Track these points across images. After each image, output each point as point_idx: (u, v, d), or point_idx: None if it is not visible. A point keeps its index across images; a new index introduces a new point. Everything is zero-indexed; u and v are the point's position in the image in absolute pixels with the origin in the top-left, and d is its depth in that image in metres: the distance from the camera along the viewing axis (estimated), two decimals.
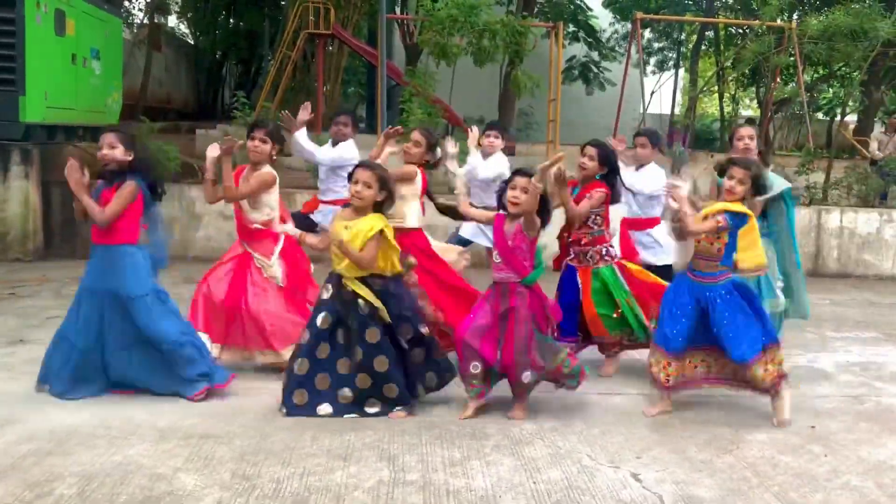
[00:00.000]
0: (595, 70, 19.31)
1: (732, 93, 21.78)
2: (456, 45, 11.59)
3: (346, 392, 4.28)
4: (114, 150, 4.32)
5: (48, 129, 9.34)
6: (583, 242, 5.05)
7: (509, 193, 4.29)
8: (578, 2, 19.00)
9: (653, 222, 5.89)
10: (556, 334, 4.55)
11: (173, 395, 4.40)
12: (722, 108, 21.07)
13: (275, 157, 5.07)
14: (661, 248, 5.75)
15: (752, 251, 4.47)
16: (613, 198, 5.08)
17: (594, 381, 4.88)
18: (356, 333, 4.25)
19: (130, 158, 4.37)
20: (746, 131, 5.37)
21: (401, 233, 4.73)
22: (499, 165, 6.10)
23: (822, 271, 9.89)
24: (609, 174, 5.06)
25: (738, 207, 4.31)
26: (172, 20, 26.27)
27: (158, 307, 4.40)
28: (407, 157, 5.20)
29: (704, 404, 4.67)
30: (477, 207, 5.27)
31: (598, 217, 5.03)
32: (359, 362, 4.25)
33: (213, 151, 4.78)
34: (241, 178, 4.99)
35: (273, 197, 5.01)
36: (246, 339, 4.88)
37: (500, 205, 4.43)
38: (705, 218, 4.28)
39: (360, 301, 4.25)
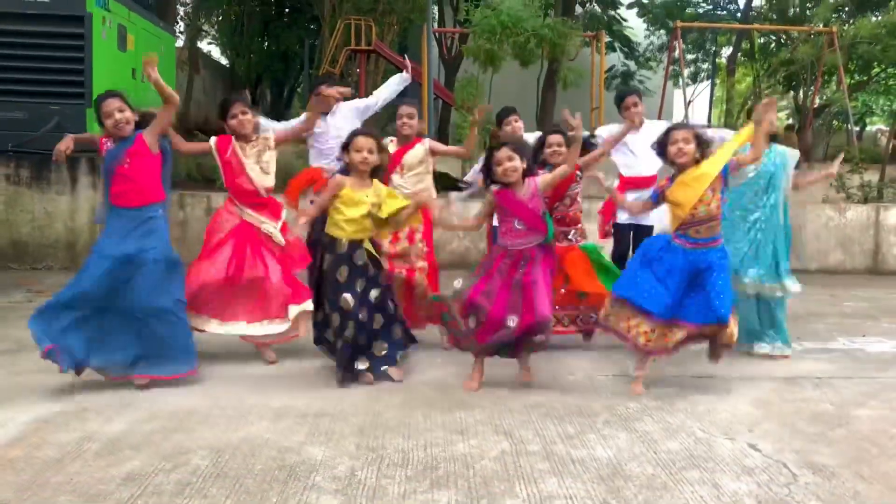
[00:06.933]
0: (636, 79, 19.42)
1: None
2: (502, 50, 11.75)
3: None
4: (125, 113, 4.33)
5: None
6: (566, 221, 5.31)
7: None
8: (612, 13, 19.12)
9: (650, 181, 5.77)
10: None
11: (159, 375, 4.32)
12: None
13: None
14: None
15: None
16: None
17: (691, 363, 4.91)
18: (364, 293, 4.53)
19: (137, 118, 4.41)
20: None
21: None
22: None
23: (882, 268, 9.85)
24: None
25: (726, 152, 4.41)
26: (207, 43, 26.73)
27: (168, 275, 4.31)
28: (410, 129, 5.38)
29: (798, 384, 4.69)
30: None
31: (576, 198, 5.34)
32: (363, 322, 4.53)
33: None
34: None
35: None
36: (267, 310, 4.84)
37: (490, 179, 4.47)
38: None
39: (367, 262, 4.53)
